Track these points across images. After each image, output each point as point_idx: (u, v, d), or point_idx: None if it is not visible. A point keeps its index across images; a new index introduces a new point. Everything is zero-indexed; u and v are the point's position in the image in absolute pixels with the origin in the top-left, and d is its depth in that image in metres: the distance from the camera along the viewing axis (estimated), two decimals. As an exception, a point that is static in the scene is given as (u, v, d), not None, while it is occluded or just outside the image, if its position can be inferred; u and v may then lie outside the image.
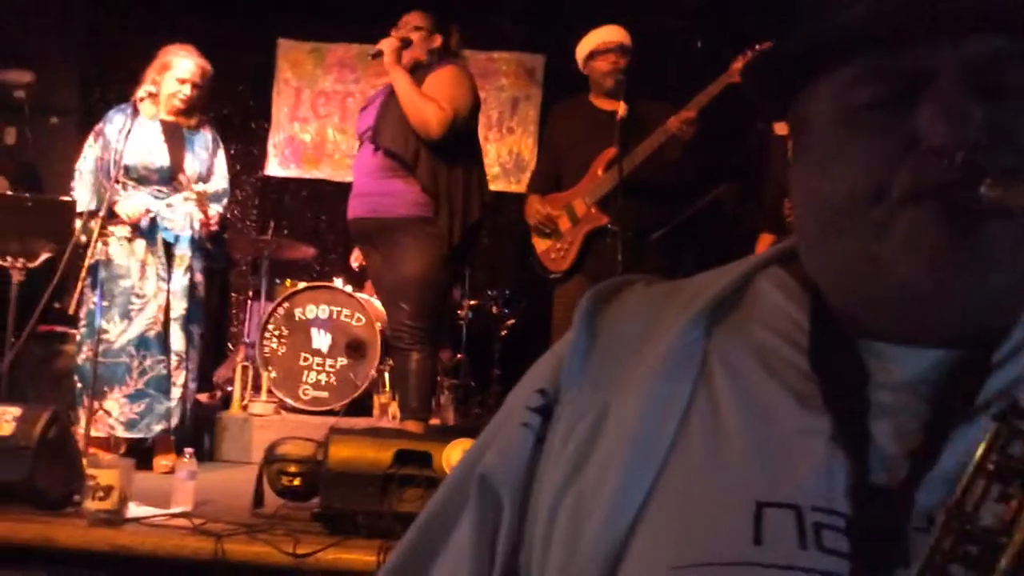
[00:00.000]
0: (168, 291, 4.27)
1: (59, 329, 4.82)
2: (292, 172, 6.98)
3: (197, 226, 4.34)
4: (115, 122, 4.19)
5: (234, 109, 6.66)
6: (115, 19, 6.59)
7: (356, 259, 5.73)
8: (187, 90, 4.34)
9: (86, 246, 3.98)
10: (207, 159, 4.44)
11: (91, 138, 4.30)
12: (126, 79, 5.26)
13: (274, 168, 6.97)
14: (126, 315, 4.18)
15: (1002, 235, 0.64)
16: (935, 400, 0.69)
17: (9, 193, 4.91)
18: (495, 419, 0.84)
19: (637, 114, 4.19)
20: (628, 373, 0.77)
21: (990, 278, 0.65)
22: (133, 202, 4.21)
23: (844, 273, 0.71)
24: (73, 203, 4.31)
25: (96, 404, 4.10)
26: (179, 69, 4.33)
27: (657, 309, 0.80)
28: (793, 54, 0.74)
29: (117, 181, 4.14)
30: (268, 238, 5.64)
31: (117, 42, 6.49)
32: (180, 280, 4.30)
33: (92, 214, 4.02)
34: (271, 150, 6.97)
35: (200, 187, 4.34)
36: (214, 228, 4.43)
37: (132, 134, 4.14)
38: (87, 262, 3.96)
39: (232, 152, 4.72)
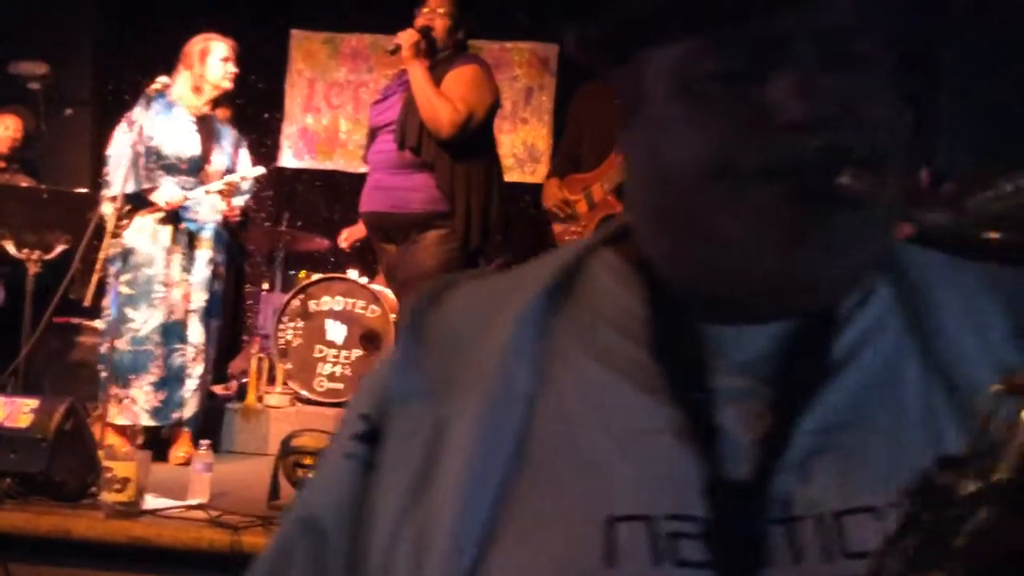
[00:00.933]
0: (189, 282, 4.30)
1: (75, 320, 4.83)
2: (306, 163, 6.98)
3: (219, 217, 4.37)
4: (152, 109, 4.20)
5: (247, 100, 6.64)
6: (129, 10, 6.59)
7: (346, 239, 5.69)
8: (232, 67, 4.40)
9: (108, 235, 3.99)
10: (232, 154, 4.51)
11: (123, 124, 4.30)
12: (140, 70, 5.28)
13: (288, 159, 6.97)
14: (151, 303, 4.21)
15: (851, 221, 0.62)
16: (779, 380, 0.68)
17: (24, 185, 4.91)
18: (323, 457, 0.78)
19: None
20: (463, 381, 0.71)
21: (839, 260, 0.64)
22: (169, 190, 4.22)
23: (687, 249, 0.68)
24: (88, 195, 4.32)
25: (123, 392, 4.12)
26: (219, 50, 4.38)
27: (488, 306, 0.75)
28: (631, 18, 0.70)
29: (148, 168, 4.16)
30: (283, 229, 5.63)
31: (131, 33, 6.49)
32: (202, 272, 4.34)
33: (129, 198, 4.03)
34: (284, 141, 6.97)
35: (236, 176, 4.37)
36: (237, 219, 4.47)
37: (166, 123, 4.21)
38: (102, 253, 3.96)
39: (246, 143, 4.73)
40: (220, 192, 4.39)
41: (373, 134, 4.17)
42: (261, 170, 4.64)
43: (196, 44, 4.39)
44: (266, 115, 6.94)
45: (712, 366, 0.68)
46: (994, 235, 0.52)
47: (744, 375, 0.68)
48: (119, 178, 4.06)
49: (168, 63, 4.45)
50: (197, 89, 4.36)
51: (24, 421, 3.22)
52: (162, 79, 4.22)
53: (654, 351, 0.70)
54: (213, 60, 4.37)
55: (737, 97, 0.64)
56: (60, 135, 6.11)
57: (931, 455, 0.65)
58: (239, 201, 4.55)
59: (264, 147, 6.89)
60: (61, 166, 6.03)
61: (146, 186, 4.20)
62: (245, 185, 4.59)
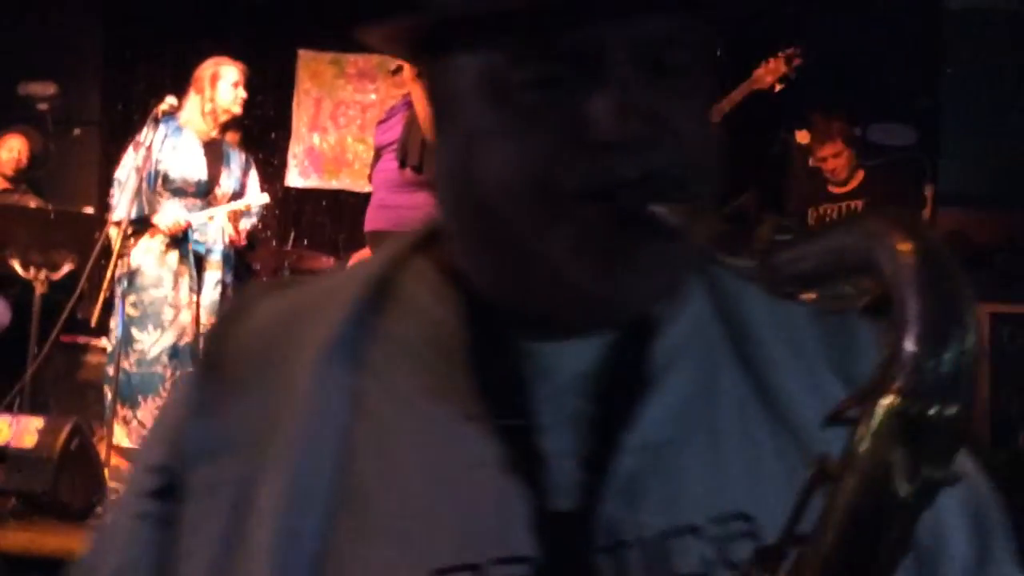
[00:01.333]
0: (198, 303, 4.30)
1: (81, 340, 4.83)
2: (312, 182, 6.99)
3: (227, 240, 4.39)
4: (160, 132, 4.21)
5: (254, 120, 6.66)
6: (136, 31, 6.62)
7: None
8: (242, 92, 4.41)
9: (115, 255, 4.00)
10: (240, 177, 4.52)
11: (132, 148, 4.31)
12: (148, 90, 5.30)
13: (294, 179, 6.98)
14: (159, 325, 4.21)
15: (665, 247, 0.62)
16: (600, 397, 0.66)
17: (32, 205, 4.93)
18: (108, 509, 0.71)
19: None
20: (268, 423, 0.65)
21: (653, 281, 0.64)
22: (172, 214, 4.23)
23: (500, 262, 0.66)
24: (97, 215, 4.33)
25: (130, 414, 4.12)
26: (229, 75, 4.39)
27: (291, 330, 0.69)
28: (439, 20, 0.66)
29: (155, 192, 4.18)
30: (289, 249, 5.64)
31: (139, 54, 6.52)
32: (210, 294, 4.35)
33: (133, 223, 4.05)
34: (291, 160, 6.98)
35: (242, 203, 4.38)
36: (242, 243, 4.49)
37: (174, 147, 4.22)
38: (109, 272, 3.97)
39: (254, 166, 4.76)
40: (228, 215, 4.40)
41: (378, 153, 4.18)
42: (265, 198, 4.64)
43: (207, 69, 4.40)
44: (273, 134, 6.95)
45: (533, 386, 0.66)
46: (809, 296, 0.51)
47: (566, 394, 0.66)
48: (124, 202, 4.08)
49: (176, 83, 4.48)
50: (207, 114, 4.37)
51: (30, 441, 3.22)
52: (170, 99, 4.23)
53: (473, 374, 0.66)
54: (224, 85, 4.38)
55: (554, 108, 0.62)
56: (68, 155, 6.14)
57: (746, 466, 0.66)
58: (245, 224, 4.55)
59: (271, 166, 6.91)
60: (69, 186, 6.05)
61: (149, 212, 4.21)
62: (251, 210, 4.60)
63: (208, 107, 4.36)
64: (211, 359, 0.70)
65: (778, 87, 4.15)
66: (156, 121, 4.17)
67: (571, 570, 0.61)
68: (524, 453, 0.64)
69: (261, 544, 0.61)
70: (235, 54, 4.57)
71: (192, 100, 4.38)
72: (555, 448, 0.64)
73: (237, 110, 4.43)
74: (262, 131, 6.84)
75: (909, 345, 0.42)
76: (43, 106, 6.04)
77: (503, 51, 0.63)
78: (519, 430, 0.64)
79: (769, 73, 4.18)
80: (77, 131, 6.33)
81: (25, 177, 5.39)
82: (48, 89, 6.07)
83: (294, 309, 0.71)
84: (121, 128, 4.93)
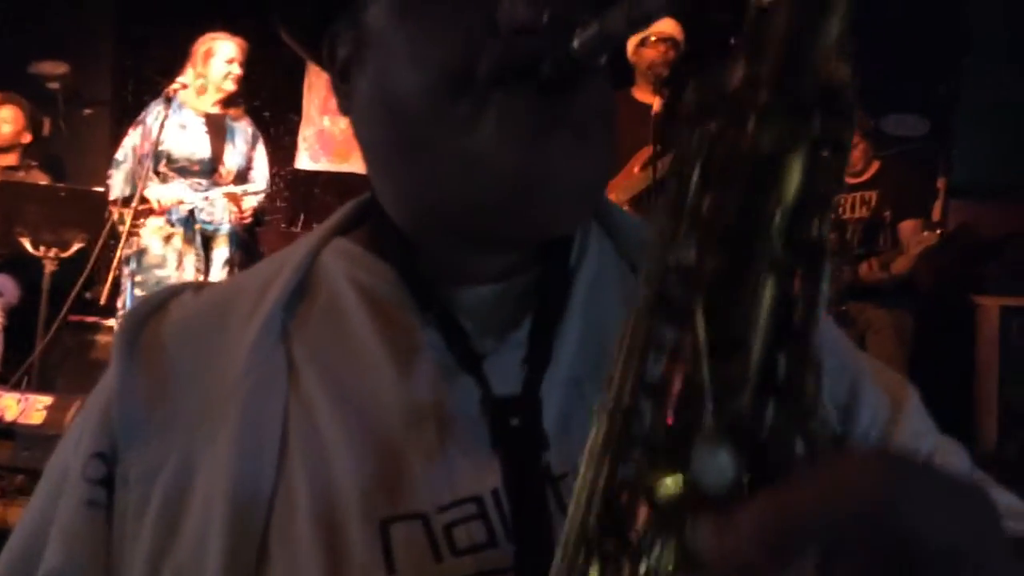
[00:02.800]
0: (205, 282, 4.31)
1: (90, 319, 4.84)
2: (322, 165, 6.99)
3: (232, 219, 4.38)
4: (159, 112, 4.21)
5: (264, 103, 6.66)
6: (148, 10, 6.61)
7: None
8: (236, 69, 4.39)
9: (120, 236, 4.01)
10: (247, 152, 4.51)
11: (131, 128, 4.34)
12: (159, 70, 5.29)
13: (304, 161, 6.97)
14: (164, 306, 4.21)
15: (592, 101, 0.62)
16: (529, 335, 0.67)
17: (43, 183, 4.93)
18: (44, 489, 0.68)
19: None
20: (202, 406, 0.65)
21: (586, 159, 0.62)
22: (167, 190, 4.21)
23: (431, 179, 0.65)
24: (106, 194, 4.33)
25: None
26: (224, 51, 4.37)
27: (216, 320, 0.70)
28: None
29: (157, 171, 4.16)
30: (298, 231, 5.65)
31: (150, 33, 6.51)
32: (218, 273, 4.36)
33: (126, 201, 4.05)
34: (301, 143, 6.97)
35: (239, 189, 4.36)
36: (247, 221, 4.48)
37: (177, 125, 4.21)
38: (119, 252, 3.98)
39: (262, 139, 4.75)
40: (227, 196, 4.38)
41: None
42: (262, 187, 4.60)
43: (202, 44, 4.38)
44: (283, 118, 6.95)
45: (469, 333, 0.67)
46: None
47: (497, 334, 0.67)
48: (117, 182, 4.09)
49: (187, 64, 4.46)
50: (200, 89, 4.35)
51: (37, 418, 3.23)
52: (182, 79, 4.24)
53: (408, 330, 0.67)
54: (217, 61, 4.35)
55: (462, 8, 0.63)
56: (79, 134, 6.13)
57: None
58: (251, 202, 4.54)
59: (281, 149, 6.91)
60: (79, 165, 6.04)
61: (148, 185, 4.20)
62: (250, 192, 4.58)
63: (199, 83, 4.34)
64: (130, 347, 0.69)
65: None
66: (168, 101, 4.18)
67: (521, 503, 0.61)
68: (467, 364, 0.65)
69: (215, 508, 0.61)
70: (246, 37, 4.55)
71: (189, 76, 4.37)
72: (496, 386, 0.65)
73: (230, 87, 4.39)
74: (273, 113, 6.84)
75: None
76: (54, 85, 6.03)
77: None
78: (462, 380, 0.65)
79: None
80: (87, 111, 6.33)
81: (30, 151, 5.32)
82: (59, 68, 6.06)
83: (221, 300, 0.71)
84: (132, 108, 4.92)
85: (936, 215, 5.20)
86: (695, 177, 0.41)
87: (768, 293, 0.39)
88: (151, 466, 0.64)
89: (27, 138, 5.19)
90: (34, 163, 5.20)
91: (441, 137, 0.63)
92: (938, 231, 4.32)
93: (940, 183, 5.50)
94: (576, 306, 0.68)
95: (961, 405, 4.88)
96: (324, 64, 0.73)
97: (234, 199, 4.39)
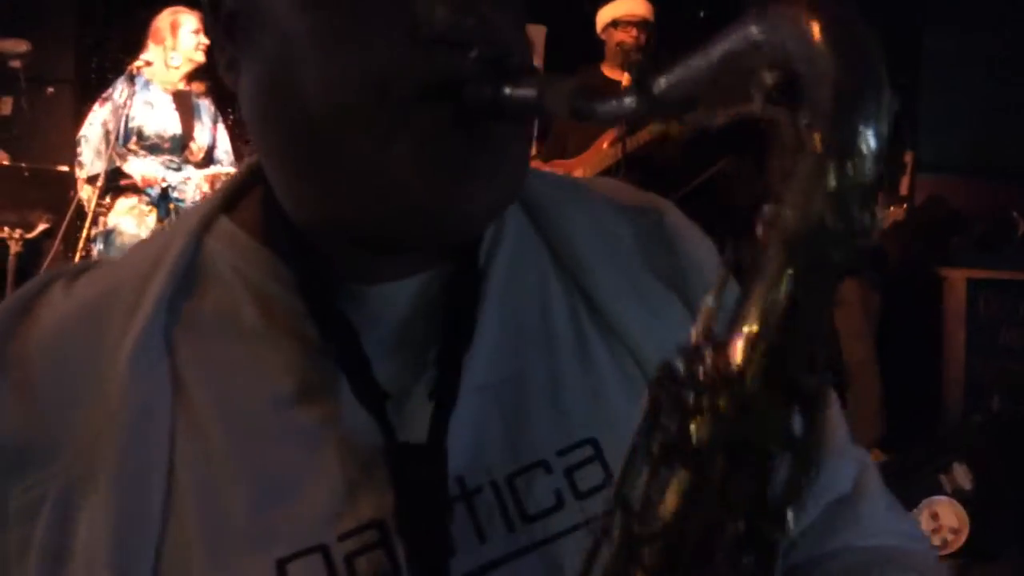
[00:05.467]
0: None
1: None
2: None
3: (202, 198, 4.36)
4: (123, 89, 4.17)
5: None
6: (111, -13, 6.52)
7: None
8: (203, 39, 4.33)
9: (90, 214, 3.97)
10: (211, 129, 4.46)
11: (97, 104, 4.28)
12: (123, 48, 5.21)
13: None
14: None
15: (511, 135, 0.59)
16: (437, 337, 0.63)
17: (5, 163, 4.86)
18: None
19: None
20: (81, 432, 0.58)
21: (504, 182, 0.60)
22: (148, 166, 4.18)
23: (332, 188, 0.60)
24: (71, 173, 4.28)
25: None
26: (189, 22, 4.33)
27: (90, 327, 0.62)
28: None
29: (128, 149, 4.13)
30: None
31: (114, 11, 6.41)
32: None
33: (104, 176, 4.02)
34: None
35: (219, 170, 4.32)
36: None
37: (144, 102, 4.18)
38: (85, 232, 3.94)
39: (234, 120, 4.70)
40: (207, 180, 4.37)
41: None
42: (232, 168, 4.58)
43: (165, 18, 4.34)
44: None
45: (364, 332, 0.62)
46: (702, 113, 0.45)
47: (399, 337, 0.64)
48: (89, 158, 4.03)
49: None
50: (170, 64, 4.31)
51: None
52: (145, 56, 4.18)
53: (298, 334, 0.62)
54: (184, 32, 4.33)
55: (384, 7, 0.57)
56: (42, 113, 6.04)
57: (586, 387, 0.64)
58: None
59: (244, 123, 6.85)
60: (42, 145, 5.95)
61: (120, 164, 4.16)
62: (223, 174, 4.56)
63: (171, 56, 4.30)
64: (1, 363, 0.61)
65: None
66: (131, 78, 4.13)
67: (423, 524, 0.58)
68: (366, 400, 0.60)
69: (99, 545, 0.56)
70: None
71: (153, 52, 4.32)
72: (394, 394, 0.61)
73: (200, 58, 4.37)
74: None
75: (826, 97, 0.38)
76: (16, 63, 5.92)
77: None
78: (358, 382, 0.61)
79: None
80: (50, 89, 6.23)
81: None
82: (20, 46, 5.95)
83: (95, 300, 0.63)
84: (96, 86, 4.85)
85: (903, 190, 5.24)
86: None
87: None
88: (30, 502, 0.58)
89: None
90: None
91: (349, 148, 0.58)
92: (904, 205, 4.35)
93: (907, 157, 5.54)
94: (490, 307, 0.65)
95: (928, 377, 4.93)
96: (205, 9, 0.65)
97: (211, 180, 4.37)
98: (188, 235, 0.65)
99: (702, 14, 6.23)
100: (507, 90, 0.54)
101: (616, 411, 0.64)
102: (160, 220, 4.25)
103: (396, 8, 0.57)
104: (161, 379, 0.60)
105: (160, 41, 4.34)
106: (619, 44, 4.31)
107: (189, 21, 4.36)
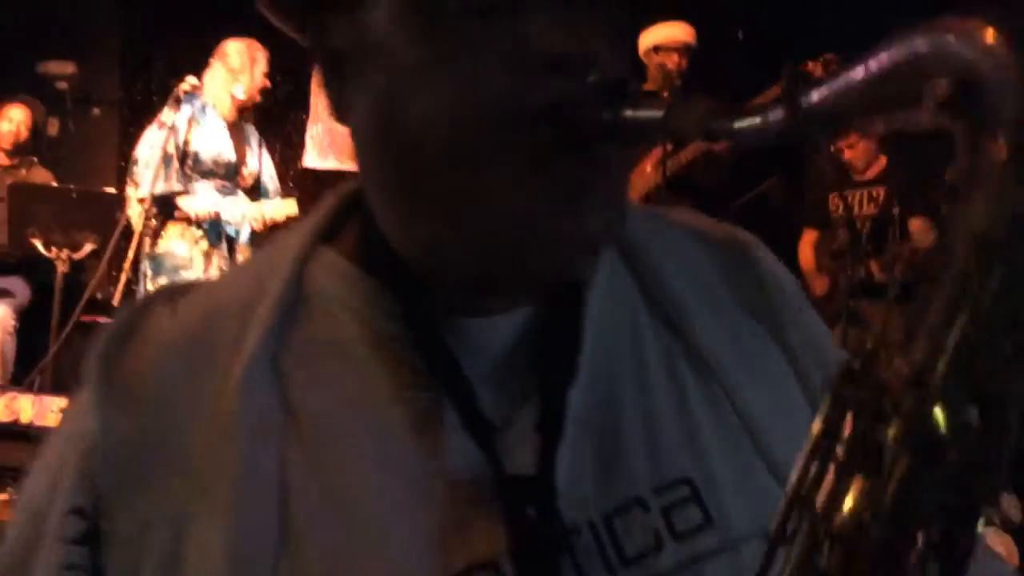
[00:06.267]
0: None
1: (102, 320, 4.84)
2: (331, 164, 6.98)
3: (255, 227, 4.41)
4: (184, 112, 4.21)
5: (273, 101, 6.66)
6: (156, 11, 6.61)
7: None
8: (267, 81, 4.43)
9: (137, 235, 4.02)
10: (258, 154, 4.53)
11: (155, 125, 4.28)
12: (168, 71, 5.29)
13: (312, 159, 6.96)
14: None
15: (621, 160, 0.59)
16: (537, 369, 0.63)
17: (54, 185, 4.93)
18: (18, 531, 0.62)
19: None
20: (192, 453, 0.58)
21: (617, 206, 0.60)
22: (202, 201, 4.23)
23: (443, 216, 0.59)
24: (116, 195, 4.35)
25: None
26: (263, 62, 4.40)
27: (198, 348, 0.62)
28: None
29: (184, 173, 4.17)
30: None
31: (158, 34, 6.51)
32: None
33: (156, 200, 4.05)
34: (309, 142, 6.96)
35: (269, 212, 4.40)
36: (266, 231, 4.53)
37: (202, 127, 4.22)
38: (131, 253, 3.98)
39: (271, 143, 4.76)
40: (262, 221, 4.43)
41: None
42: (292, 205, 4.62)
43: (243, 49, 4.37)
44: (291, 116, 6.94)
45: (466, 364, 0.62)
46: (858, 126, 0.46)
47: (500, 369, 0.63)
48: (147, 179, 4.08)
49: (195, 64, 4.46)
50: (234, 95, 4.36)
51: (53, 420, 3.24)
52: (191, 80, 4.23)
53: (405, 363, 0.62)
54: (258, 71, 4.40)
55: (492, 32, 0.57)
56: (87, 135, 6.14)
57: (680, 423, 0.64)
58: (274, 215, 4.56)
59: (289, 147, 6.91)
60: (88, 166, 6.05)
61: (177, 188, 4.20)
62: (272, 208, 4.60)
63: (236, 87, 4.35)
64: (108, 380, 0.62)
65: None
66: (178, 101, 4.17)
67: (538, 563, 0.58)
68: (474, 431, 0.60)
69: (214, 573, 0.56)
70: (253, 35, 4.55)
71: (219, 77, 4.35)
72: (500, 425, 0.61)
73: (258, 98, 4.47)
74: (281, 111, 6.84)
75: (1012, 104, 0.38)
76: (62, 85, 6.03)
77: None
78: (466, 413, 0.61)
79: None
80: (96, 111, 6.33)
81: (31, 151, 5.25)
82: (67, 68, 6.06)
83: (199, 323, 0.64)
84: (140, 108, 4.93)
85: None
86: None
87: None
88: (141, 522, 0.58)
89: (24, 135, 5.14)
90: (34, 159, 5.17)
91: (458, 174, 0.58)
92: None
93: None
94: (587, 341, 0.65)
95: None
96: (310, 46, 0.66)
97: (261, 216, 4.42)
98: (291, 264, 0.65)
99: (740, 35, 6.22)
100: (628, 112, 0.54)
101: (709, 451, 0.63)
102: (212, 243, 4.29)
103: (507, 36, 0.57)
104: (272, 406, 0.60)
105: (231, 69, 4.37)
106: (660, 68, 4.33)
107: (263, 61, 4.41)
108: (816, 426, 0.43)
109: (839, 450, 0.41)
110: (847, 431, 0.41)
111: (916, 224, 4.40)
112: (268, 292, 0.63)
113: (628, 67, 0.62)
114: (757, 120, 0.48)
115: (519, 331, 0.64)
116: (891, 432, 0.39)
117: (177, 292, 0.67)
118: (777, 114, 0.47)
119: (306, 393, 0.61)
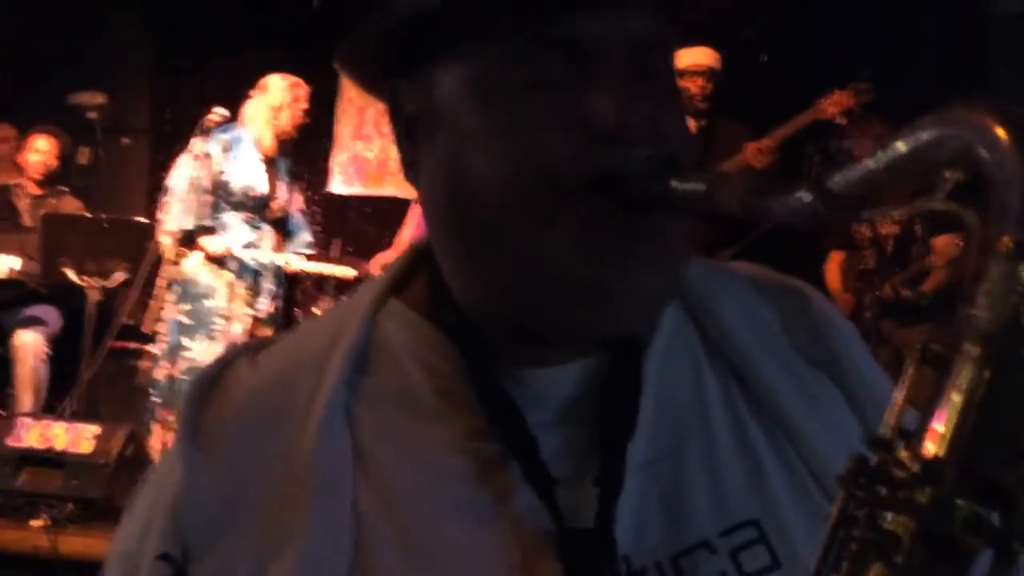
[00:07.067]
0: (255, 317, 4.36)
1: (132, 345, 4.89)
2: (356, 190, 7.03)
3: (278, 262, 4.44)
4: (216, 142, 4.24)
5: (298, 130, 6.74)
6: (184, 42, 6.70)
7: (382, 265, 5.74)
8: (307, 118, 4.47)
9: (164, 264, 4.06)
10: (288, 185, 4.56)
11: (186, 156, 4.31)
12: (197, 101, 5.35)
13: (338, 186, 7.02)
14: (209, 335, 4.25)
15: (674, 226, 0.61)
16: (599, 418, 0.65)
17: (87, 215, 4.99)
18: None
19: (715, 133, 4.16)
20: (270, 500, 0.62)
21: (669, 270, 0.62)
22: (218, 241, 4.27)
23: (501, 274, 0.63)
24: (147, 224, 4.39)
25: (174, 419, 4.17)
26: (303, 101, 4.43)
27: (278, 400, 0.66)
28: (408, 25, 0.64)
29: (215, 205, 4.22)
30: (336, 256, 5.68)
31: (187, 64, 6.59)
32: (266, 306, 4.42)
33: (187, 234, 4.11)
34: (334, 168, 7.02)
35: (295, 262, 4.45)
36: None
37: (236, 158, 4.25)
38: (160, 281, 4.03)
39: (296, 171, 4.79)
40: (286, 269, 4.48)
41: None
42: (296, 262, 4.66)
43: (290, 87, 4.41)
44: (316, 143, 7.00)
45: (528, 414, 0.64)
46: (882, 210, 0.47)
47: (561, 420, 0.65)
48: (175, 212, 4.12)
49: (223, 94, 4.51)
50: (273, 128, 4.39)
51: (86, 447, 3.28)
52: (219, 110, 4.26)
53: (470, 411, 0.64)
54: (298, 108, 4.42)
55: (553, 104, 0.60)
56: (117, 163, 6.21)
57: (744, 467, 0.65)
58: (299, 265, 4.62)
59: (315, 174, 6.96)
60: (118, 195, 6.12)
61: (205, 223, 4.23)
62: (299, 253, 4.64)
63: (277, 122, 4.38)
64: (195, 431, 0.66)
65: (841, 120, 4.10)
66: (205, 132, 4.21)
67: None
68: (536, 484, 0.62)
69: None
70: (280, 64, 4.60)
71: (259, 110, 4.38)
72: (559, 476, 0.63)
73: (292, 134, 4.49)
74: (305, 139, 6.89)
75: (1016, 201, 0.40)
76: (92, 115, 6.11)
77: (497, 50, 0.62)
78: (529, 467, 0.63)
79: (833, 104, 4.12)
80: (126, 140, 6.41)
81: (61, 180, 5.31)
82: (97, 99, 6.14)
83: (280, 374, 0.68)
84: (169, 137, 4.97)
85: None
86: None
87: None
88: (225, 567, 0.61)
89: (54, 164, 5.19)
90: (64, 189, 5.23)
91: (514, 234, 0.61)
92: (967, 242, 4.25)
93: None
94: (648, 388, 0.66)
95: None
96: (387, 106, 0.70)
97: (290, 266, 4.46)
98: (363, 315, 0.69)
99: (764, 58, 6.22)
100: (674, 183, 0.57)
101: (776, 494, 0.65)
102: (237, 273, 4.31)
103: (566, 104, 0.60)
104: (344, 453, 0.63)
105: (274, 104, 4.38)
106: (683, 93, 4.33)
107: (304, 100, 4.44)
108: (833, 515, 0.44)
109: (853, 542, 0.42)
110: (862, 523, 0.42)
111: (942, 241, 4.36)
112: (341, 342, 0.67)
113: (688, 134, 0.65)
114: (789, 201, 0.51)
115: (581, 382, 0.66)
116: (902, 526, 0.40)
117: (260, 346, 0.71)
118: (807, 196, 0.50)
119: (376, 440, 0.64)
